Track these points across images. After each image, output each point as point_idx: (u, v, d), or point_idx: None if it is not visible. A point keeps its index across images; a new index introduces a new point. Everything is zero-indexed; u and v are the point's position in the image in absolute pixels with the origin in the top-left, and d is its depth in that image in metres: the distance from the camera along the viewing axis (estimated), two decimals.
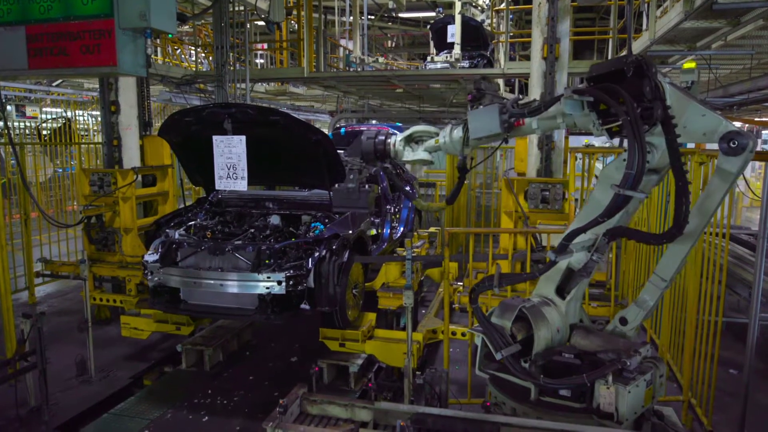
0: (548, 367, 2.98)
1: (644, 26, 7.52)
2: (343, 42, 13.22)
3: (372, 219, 5.86)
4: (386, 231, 6.55)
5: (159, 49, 11.92)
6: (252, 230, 5.04)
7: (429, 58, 11.79)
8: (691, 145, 5.48)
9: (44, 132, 14.33)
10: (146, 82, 7.69)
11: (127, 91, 7.09)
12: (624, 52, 7.56)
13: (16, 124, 15.33)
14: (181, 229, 5.07)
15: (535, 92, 5.35)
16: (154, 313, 5.44)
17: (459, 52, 10.72)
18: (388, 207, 6.68)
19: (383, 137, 3.60)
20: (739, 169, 2.65)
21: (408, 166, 7.83)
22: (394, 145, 3.55)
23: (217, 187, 4.80)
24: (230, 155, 4.61)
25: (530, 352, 3.06)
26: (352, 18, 11.84)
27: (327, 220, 4.97)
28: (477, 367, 3.29)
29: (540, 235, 5.21)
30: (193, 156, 5.39)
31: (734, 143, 2.58)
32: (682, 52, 7.11)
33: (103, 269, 6.48)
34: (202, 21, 12.43)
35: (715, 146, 2.69)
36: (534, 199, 5.11)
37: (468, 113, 3.17)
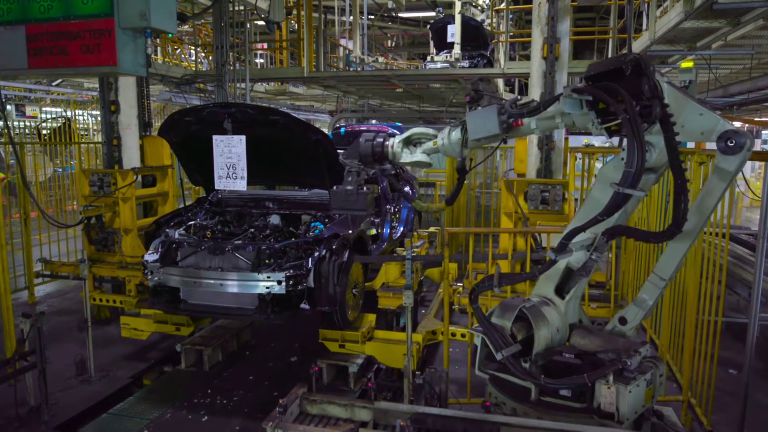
0: (548, 367, 2.98)
1: (644, 26, 7.52)
2: (343, 42, 13.22)
3: (372, 219, 5.85)
4: (386, 231, 6.55)
5: (159, 48, 11.92)
6: (252, 230, 5.04)
7: (429, 58, 11.79)
8: (691, 145, 5.50)
9: (44, 131, 14.33)
10: (146, 81, 7.69)
11: (126, 90, 7.09)
12: (624, 52, 7.55)
13: (15, 123, 15.33)
14: (181, 229, 5.07)
15: (535, 92, 5.35)
16: (154, 313, 5.44)
17: (459, 51, 10.71)
18: (387, 207, 6.68)
19: (381, 139, 3.59)
20: (736, 167, 2.66)
21: (408, 167, 7.82)
22: (392, 147, 3.55)
23: (216, 187, 4.80)
24: (230, 155, 4.61)
25: (530, 352, 3.06)
26: (352, 18, 11.84)
27: (327, 220, 4.97)
28: (477, 368, 3.29)
29: (540, 236, 5.21)
30: (192, 156, 5.39)
31: (732, 142, 2.59)
32: (682, 52, 7.11)
33: (102, 270, 6.47)
34: (202, 20, 12.43)
35: (714, 146, 2.69)
36: (534, 200, 5.11)
37: (466, 114, 3.17)
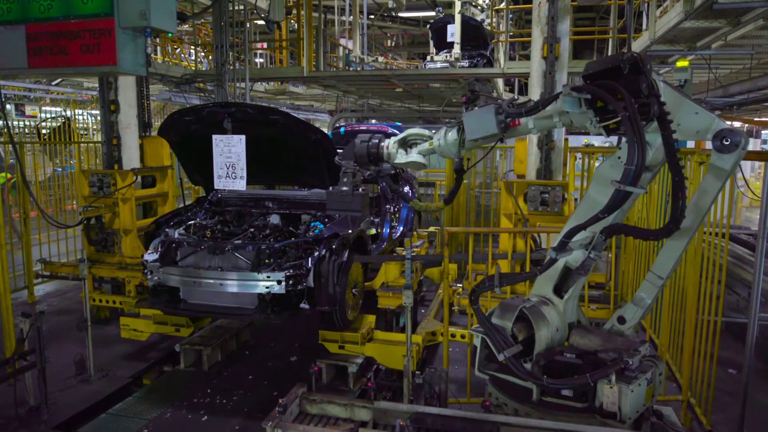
0: (549, 367, 2.98)
1: (644, 26, 7.52)
2: (342, 41, 13.22)
3: (371, 219, 5.85)
4: (386, 230, 6.55)
5: (159, 48, 11.91)
6: (252, 229, 5.04)
7: (429, 58, 11.79)
8: (691, 145, 5.50)
9: (43, 131, 14.32)
10: (146, 81, 7.68)
11: (126, 90, 7.08)
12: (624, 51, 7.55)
13: (15, 123, 15.32)
14: (181, 229, 5.07)
15: (535, 92, 5.35)
16: (154, 314, 5.44)
17: (459, 51, 10.71)
18: (387, 207, 6.68)
19: (377, 140, 3.60)
20: (732, 166, 2.67)
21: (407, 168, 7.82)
22: (387, 148, 3.55)
23: (216, 187, 4.80)
24: (230, 154, 4.61)
25: (530, 353, 3.06)
26: (351, 17, 11.83)
27: (327, 220, 4.97)
28: (476, 368, 3.29)
29: (539, 237, 5.21)
30: (192, 155, 5.39)
31: (727, 141, 2.61)
32: (682, 52, 7.11)
33: (102, 270, 6.47)
34: (202, 20, 12.42)
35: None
36: (533, 202, 5.11)
37: (463, 115, 3.17)
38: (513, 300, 3.31)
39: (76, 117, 15.42)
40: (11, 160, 11.29)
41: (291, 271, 4.39)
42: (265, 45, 15.32)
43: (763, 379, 5.30)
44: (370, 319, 5.04)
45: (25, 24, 3.64)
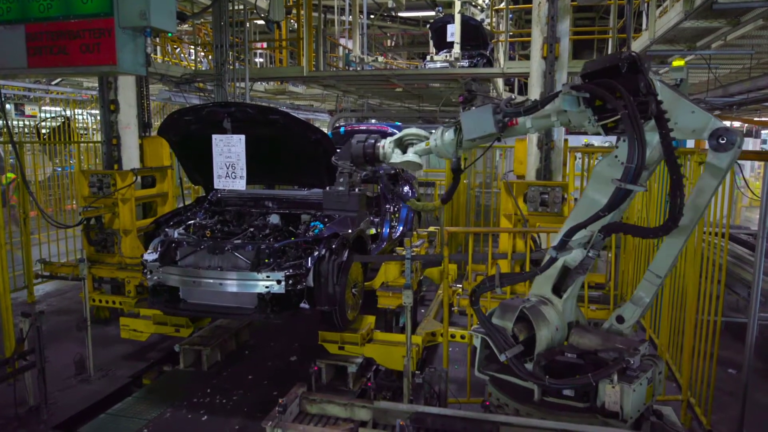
0: (550, 366, 2.99)
1: (644, 26, 7.51)
2: (342, 41, 13.22)
3: (371, 218, 5.85)
4: (386, 230, 6.55)
5: (158, 47, 11.91)
6: (251, 229, 5.04)
7: (428, 58, 11.79)
8: (690, 144, 5.50)
9: (43, 131, 14.31)
10: (146, 80, 7.68)
11: (126, 89, 7.08)
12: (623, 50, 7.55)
13: (15, 122, 15.31)
14: (181, 228, 5.06)
15: (534, 92, 5.35)
16: (154, 314, 5.44)
17: (458, 51, 10.72)
18: (387, 206, 6.68)
19: (373, 141, 3.60)
20: (728, 164, 2.70)
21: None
22: (383, 148, 3.56)
23: (215, 186, 4.80)
24: (229, 154, 4.61)
25: (531, 353, 3.06)
26: (351, 17, 11.84)
27: (326, 219, 4.97)
28: (476, 369, 3.29)
29: (539, 238, 5.21)
30: (192, 155, 5.39)
31: (723, 139, 2.63)
32: (682, 52, 7.10)
33: (102, 271, 6.47)
34: (202, 20, 12.41)
35: None
36: (533, 202, 5.11)
37: (461, 115, 3.17)
38: (513, 300, 3.31)
39: (76, 117, 15.41)
40: (11, 160, 11.30)
41: (291, 270, 4.38)
42: (264, 45, 15.32)
43: (763, 378, 5.30)
44: (370, 319, 5.04)
45: (24, 23, 3.64)
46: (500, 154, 9.43)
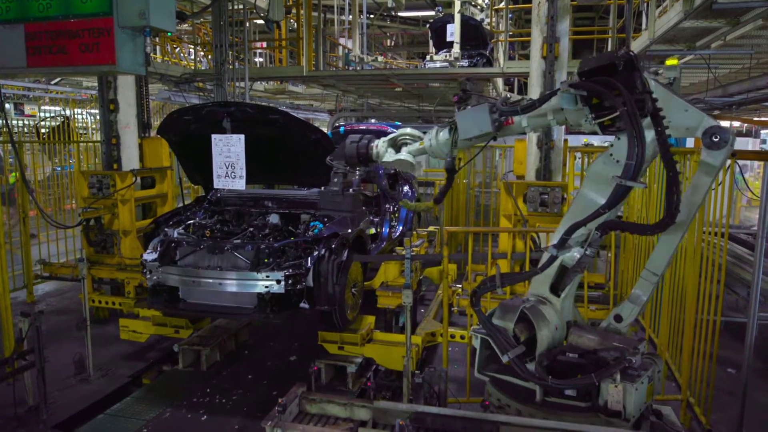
0: (551, 366, 2.99)
1: (643, 25, 7.51)
2: (342, 41, 13.21)
3: (371, 218, 5.85)
4: (385, 230, 6.55)
5: (158, 47, 11.90)
6: (251, 229, 5.04)
7: (428, 57, 11.79)
8: (690, 144, 5.50)
9: (43, 130, 14.30)
10: (145, 80, 7.67)
11: (125, 89, 7.08)
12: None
13: (14, 122, 15.30)
14: (180, 228, 5.06)
15: (534, 91, 5.35)
16: (153, 315, 5.44)
17: (458, 51, 10.71)
18: (387, 206, 6.68)
19: (366, 141, 3.62)
20: (721, 162, 2.73)
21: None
22: (377, 147, 3.57)
23: (215, 186, 4.79)
24: (229, 154, 4.60)
25: (531, 353, 3.06)
26: (351, 17, 11.84)
27: (326, 219, 4.97)
28: (476, 370, 3.29)
29: (539, 238, 5.21)
30: (191, 155, 5.38)
31: (716, 137, 2.65)
32: (682, 52, 7.10)
33: (101, 271, 6.46)
34: (202, 19, 12.40)
35: None
36: (533, 203, 5.11)
37: (456, 114, 3.18)
38: (513, 300, 3.31)
39: (75, 116, 15.39)
40: (11, 160, 11.29)
41: (290, 270, 4.38)
42: (264, 44, 15.31)
43: (762, 378, 5.30)
44: (370, 319, 5.04)
45: (24, 23, 3.64)
46: (500, 154, 9.43)
